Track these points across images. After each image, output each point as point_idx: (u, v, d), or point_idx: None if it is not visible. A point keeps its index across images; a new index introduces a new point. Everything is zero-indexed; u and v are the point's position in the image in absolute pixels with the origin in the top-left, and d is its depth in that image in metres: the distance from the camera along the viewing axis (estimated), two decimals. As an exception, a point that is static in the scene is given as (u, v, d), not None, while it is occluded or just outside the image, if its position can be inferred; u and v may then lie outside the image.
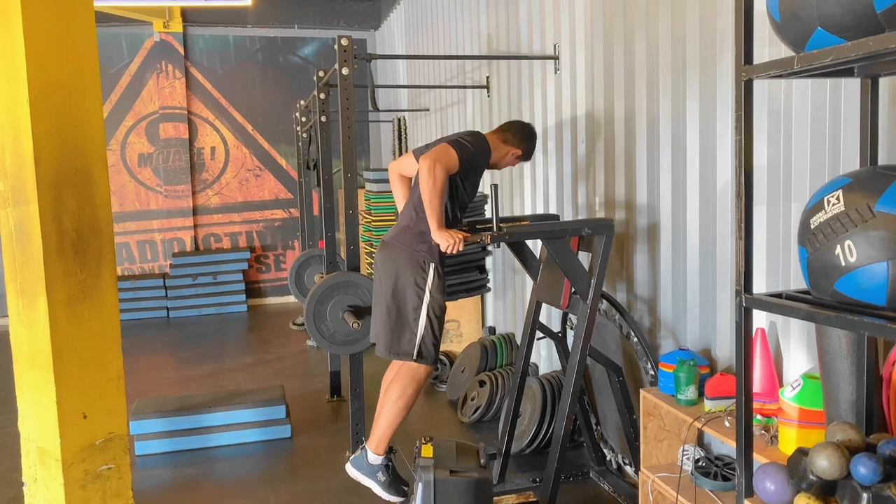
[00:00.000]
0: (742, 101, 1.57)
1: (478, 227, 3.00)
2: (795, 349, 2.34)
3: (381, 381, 3.05)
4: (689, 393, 2.47)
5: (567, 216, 3.79)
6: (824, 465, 1.45)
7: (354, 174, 3.54)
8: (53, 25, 1.65)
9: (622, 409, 2.98)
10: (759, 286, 2.38)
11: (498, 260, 4.81)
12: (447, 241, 2.65)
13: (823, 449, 1.46)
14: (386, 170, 6.09)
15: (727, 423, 2.26)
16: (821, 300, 1.48)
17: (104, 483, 1.78)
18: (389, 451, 2.90)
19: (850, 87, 2.03)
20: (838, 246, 1.38)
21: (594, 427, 3.36)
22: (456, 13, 5.43)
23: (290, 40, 8.13)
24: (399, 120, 6.99)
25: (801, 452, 1.54)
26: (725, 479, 2.40)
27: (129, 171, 7.83)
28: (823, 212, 1.42)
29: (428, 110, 6.33)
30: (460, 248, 2.65)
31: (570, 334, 3.19)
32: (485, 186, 4.94)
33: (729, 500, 2.33)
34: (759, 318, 2.41)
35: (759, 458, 1.92)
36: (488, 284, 4.69)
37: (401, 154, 6.91)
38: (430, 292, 2.81)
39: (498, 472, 3.14)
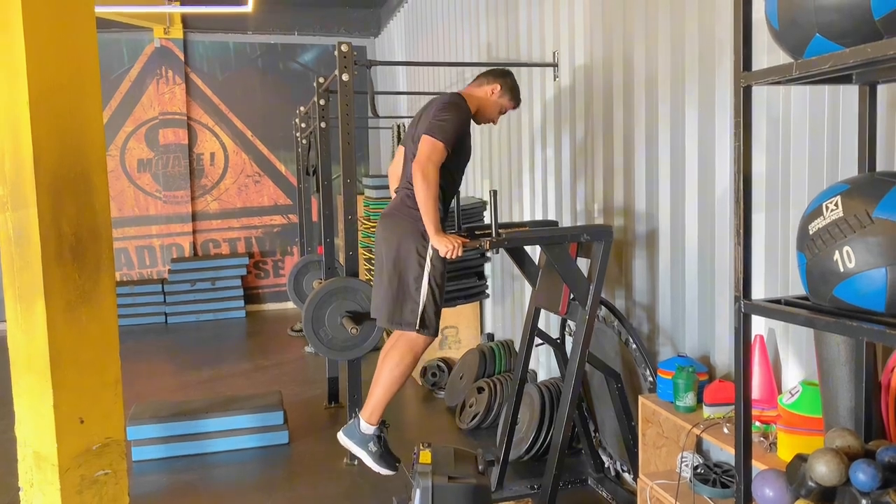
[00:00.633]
0: (741, 108, 1.57)
1: (477, 232, 3.00)
2: (794, 356, 2.34)
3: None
4: (688, 399, 2.47)
5: (566, 223, 3.79)
6: (823, 471, 1.44)
7: (354, 179, 3.55)
8: (54, 28, 1.65)
9: (621, 415, 2.97)
10: (758, 292, 2.38)
11: (497, 266, 4.81)
12: (446, 247, 2.65)
13: (822, 455, 1.45)
14: (385, 176, 6.09)
15: (726, 430, 2.25)
16: (819, 306, 1.48)
17: (101, 488, 1.78)
18: (382, 423, 2.88)
19: (848, 95, 2.04)
20: (837, 252, 1.38)
21: (593, 434, 3.35)
22: (456, 20, 5.45)
23: (291, 47, 8.15)
24: (398, 126, 7.01)
25: (800, 459, 1.53)
26: (724, 486, 2.40)
27: (128, 176, 7.83)
28: (822, 217, 1.42)
29: (427, 117, 6.32)
30: (459, 254, 2.66)
31: (569, 341, 3.19)
32: (484, 193, 4.95)
33: (728, 507, 2.33)
34: (758, 326, 2.41)
35: (757, 465, 1.91)
36: (487, 291, 4.68)
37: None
38: (431, 261, 2.80)
39: (496, 479, 3.13)
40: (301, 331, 5.83)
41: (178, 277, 7.66)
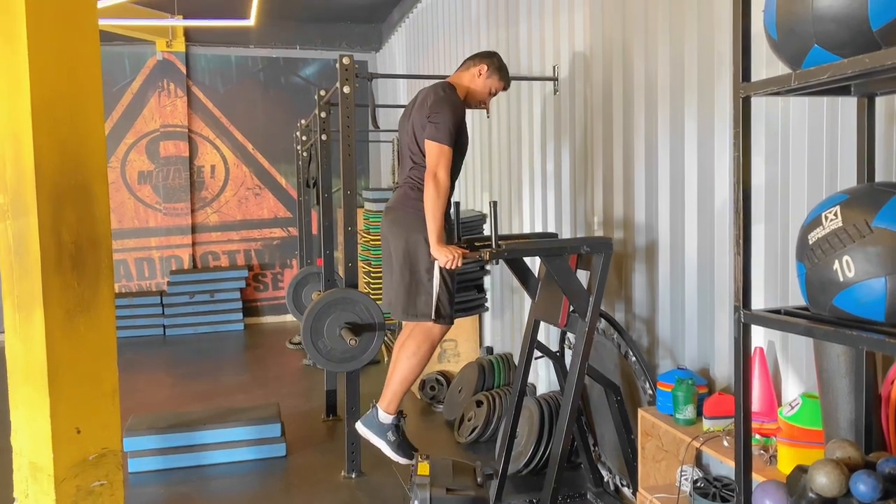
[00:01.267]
0: (740, 119, 1.58)
1: (477, 244, 3.00)
2: (793, 369, 2.34)
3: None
4: (688, 412, 2.46)
5: (566, 235, 3.79)
6: (824, 482, 1.43)
7: (354, 191, 3.55)
8: (57, 39, 1.66)
9: (620, 428, 2.96)
10: (758, 303, 2.37)
11: (496, 279, 4.81)
12: (446, 257, 2.66)
13: (823, 466, 1.45)
14: (385, 189, 6.07)
15: (726, 443, 2.24)
16: (819, 316, 1.47)
17: (96, 499, 1.76)
18: (399, 413, 2.88)
19: (847, 106, 2.05)
20: (836, 261, 1.38)
21: (592, 448, 3.34)
22: (456, 35, 5.49)
23: (292, 61, 8.19)
24: (398, 141, 7.02)
25: (801, 470, 1.53)
26: (724, 500, 2.38)
27: (128, 188, 7.84)
28: (821, 227, 1.43)
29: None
30: (459, 265, 2.66)
31: (569, 353, 3.18)
32: (484, 205, 4.96)
33: (728, 521, 2.31)
34: (758, 338, 2.41)
35: (757, 478, 1.90)
36: (486, 304, 4.68)
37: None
38: None
39: (495, 493, 3.11)
40: (299, 343, 5.82)
41: (177, 290, 7.65)
